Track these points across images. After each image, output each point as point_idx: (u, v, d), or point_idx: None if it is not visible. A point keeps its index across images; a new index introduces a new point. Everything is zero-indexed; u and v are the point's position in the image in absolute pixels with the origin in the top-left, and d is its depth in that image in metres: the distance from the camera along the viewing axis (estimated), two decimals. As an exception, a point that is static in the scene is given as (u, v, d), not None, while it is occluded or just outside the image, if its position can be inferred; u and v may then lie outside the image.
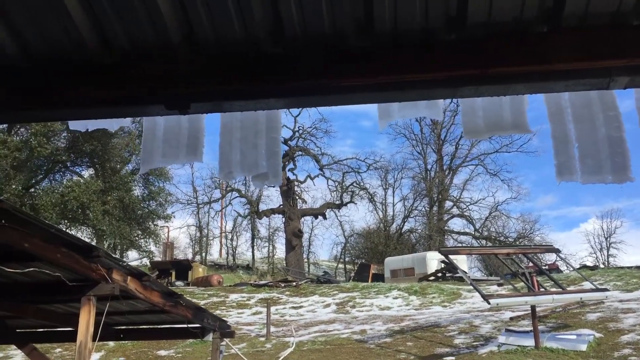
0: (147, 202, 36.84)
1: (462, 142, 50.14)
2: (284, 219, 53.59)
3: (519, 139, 46.51)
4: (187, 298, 10.02)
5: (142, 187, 37.28)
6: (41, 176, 32.98)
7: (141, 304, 9.80)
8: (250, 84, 3.11)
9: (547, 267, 31.45)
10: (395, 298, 25.37)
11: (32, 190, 31.39)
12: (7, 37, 3.13)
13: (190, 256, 54.17)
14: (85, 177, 34.28)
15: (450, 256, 17.37)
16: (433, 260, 33.93)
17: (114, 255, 7.59)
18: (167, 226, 42.98)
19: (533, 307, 13.79)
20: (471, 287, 20.51)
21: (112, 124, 3.53)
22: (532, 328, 14.08)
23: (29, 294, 8.11)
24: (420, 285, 27.89)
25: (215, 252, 64.27)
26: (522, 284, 17.57)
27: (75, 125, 3.55)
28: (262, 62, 3.11)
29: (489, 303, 13.03)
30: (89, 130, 3.59)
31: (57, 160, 32.59)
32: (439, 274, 30.53)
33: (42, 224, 5.86)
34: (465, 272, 21.60)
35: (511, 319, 17.81)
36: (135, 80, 3.19)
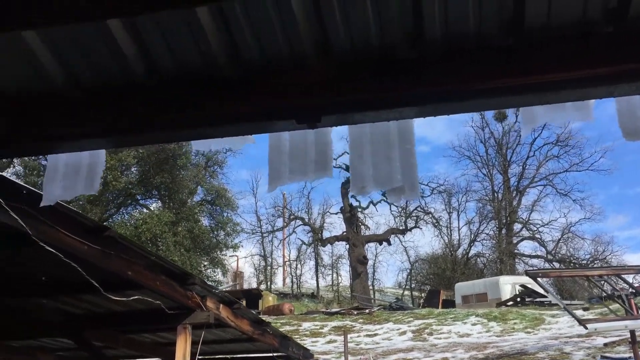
0: (215, 232, 37.35)
1: (529, 162, 48.68)
2: (347, 246, 53.22)
3: (590, 157, 44.74)
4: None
5: (210, 218, 37.87)
6: (114, 209, 34.08)
7: (227, 333, 9.72)
8: (382, 92, 2.93)
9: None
10: (474, 324, 24.48)
11: (106, 223, 32.44)
12: (137, 55, 3.08)
13: (255, 285, 54.44)
14: (153, 209, 35.12)
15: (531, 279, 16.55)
16: (507, 285, 32.74)
17: (207, 283, 7.54)
18: (236, 255, 43.46)
19: (632, 332, 12.89)
20: (555, 312, 19.56)
21: (235, 143, 3.41)
22: (631, 354, 13.17)
23: (122, 322, 8.15)
24: (500, 310, 26.85)
25: (279, 281, 64.37)
26: (616, 306, 16.54)
27: (199, 145, 3.46)
28: (394, 68, 2.93)
29: (586, 328, 12.29)
30: (212, 150, 3.48)
31: (129, 193, 33.59)
32: (518, 299, 29.34)
33: (144, 252, 5.85)
34: (559, 297, 20.56)
35: (605, 345, 16.75)
36: (264, 95, 3.07)
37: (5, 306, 7.19)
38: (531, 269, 31.01)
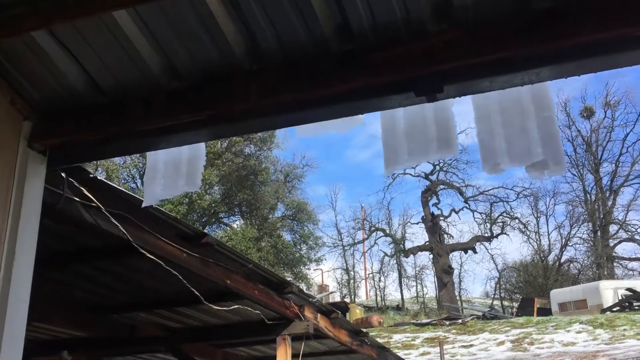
0: (298, 247, 37.45)
1: (622, 159, 45.84)
2: (431, 256, 52.00)
3: (688, 151, 41.51)
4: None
5: (292, 232, 38.02)
6: (200, 228, 34.75)
7: (323, 345, 9.41)
8: (516, 50, 2.52)
9: None
10: (579, 332, 22.97)
11: (193, 242, 33.07)
12: (237, 36, 2.84)
13: (338, 299, 54.15)
14: (236, 226, 35.62)
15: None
16: (608, 290, 30.68)
17: (305, 291, 7.28)
18: (320, 269, 43.45)
19: None
20: (668, 317, 17.97)
21: (342, 125, 3.10)
22: None
23: (220, 336, 8.01)
24: (606, 317, 25.13)
25: (362, 294, 63.81)
26: None
27: (304, 131, 3.17)
28: (532, 19, 2.51)
29: None
30: (317, 136, 3.17)
31: (214, 212, 34.26)
32: (626, 304, 27.39)
33: (242, 259, 5.64)
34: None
35: None
36: (375, 68, 2.74)
37: (106, 321, 7.20)
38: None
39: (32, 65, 3.02)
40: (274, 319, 6.68)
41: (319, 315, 7.48)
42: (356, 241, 57.25)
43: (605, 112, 47.72)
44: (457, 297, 51.54)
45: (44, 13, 2.52)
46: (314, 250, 38.07)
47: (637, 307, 26.02)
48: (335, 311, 7.85)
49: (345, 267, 57.89)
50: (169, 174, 3.28)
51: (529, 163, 2.69)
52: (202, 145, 3.33)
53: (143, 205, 3.33)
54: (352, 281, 59.05)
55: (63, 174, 3.50)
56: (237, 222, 37.02)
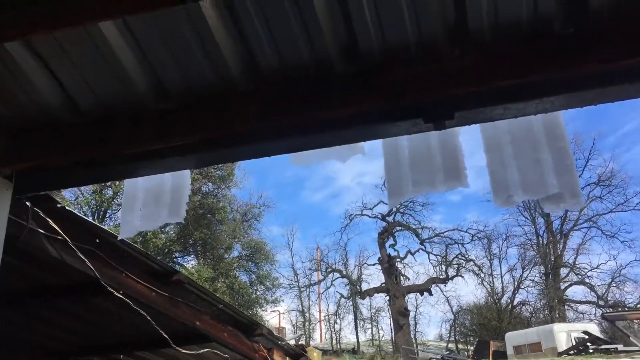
0: (254, 287, 36.63)
1: (572, 203, 47.15)
2: (387, 297, 51.78)
3: (635, 197, 43.04)
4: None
5: (248, 273, 37.23)
6: (153, 268, 33.61)
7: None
8: (533, 76, 2.41)
9: None
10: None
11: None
12: (235, 53, 2.64)
13: (292, 342, 52.99)
14: (191, 267, 34.67)
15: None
16: (561, 333, 30.91)
17: (275, 334, 6.93)
18: (277, 310, 42.57)
19: None
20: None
21: (342, 154, 2.91)
22: None
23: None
24: (563, 360, 25.21)
25: (317, 337, 62.81)
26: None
27: (299, 159, 2.96)
28: (552, 44, 2.41)
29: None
30: (312, 164, 2.97)
31: (169, 251, 33.31)
32: (581, 347, 27.61)
33: (212, 298, 5.30)
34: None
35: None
36: (381, 91, 2.58)
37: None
38: (608, 312, 29.26)
39: (2, 78, 2.74)
40: (242, 363, 6.31)
41: (287, 358, 7.13)
42: (312, 282, 56.58)
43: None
44: (413, 340, 51.26)
45: (27, 20, 2.25)
46: (271, 291, 37.30)
47: (592, 351, 26.31)
48: (304, 354, 7.52)
49: (300, 309, 56.98)
50: (149, 203, 3.01)
51: (543, 195, 2.55)
52: (187, 173, 3.08)
53: (119, 237, 3.03)
54: (307, 323, 58.08)
55: (28, 203, 3.18)
56: (192, 262, 36.06)
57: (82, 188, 28.00)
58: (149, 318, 4.37)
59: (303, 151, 2.84)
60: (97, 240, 3.60)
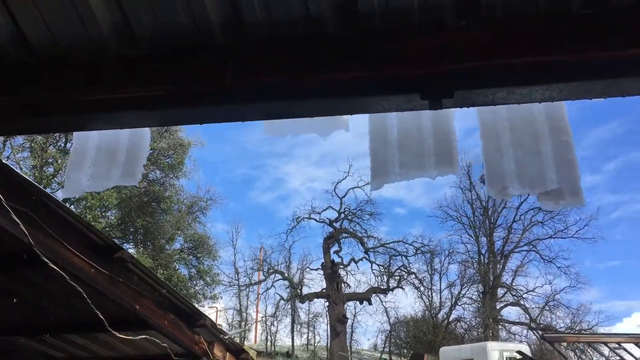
0: (194, 282, 35.82)
1: (514, 226, 48.35)
2: (327, 303, 51.70)
3: (575, 225, 44.45)
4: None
5: (189, 266, 36.41)
6: (90, 252, 32.39)
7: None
8: (544, 57, 2.20)
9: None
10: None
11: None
12: (250, 9, 2.33)
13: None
14: (132, 253, 33.60)
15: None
16: (494, 352, 31.42)
17: (217, 326, 6.57)
18: (215, 307, 41.74)
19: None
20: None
21: (324, 126, 2.64)
22: None
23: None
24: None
25: (251, 337, 62.21)
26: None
27: (273, 128, 2.67)
28: (567, 25, 2.20)
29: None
30: (287, 136, 2.68)
31: (108, 236, 32.19)
32: (513, 367, 28.12)
33: (156, 282, 4.92)
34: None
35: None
36: (377, 59, 2.32)
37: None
38: (549, 333, 29.79)
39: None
40: (181, 354, 5.92)
41: (228, 354, 6.78)
42: (253, 282, 55.96)
43: (503, 180, 50.27)
44: (348, 348, 51.35)
45: None
46: (210, 287, 36.53)
47: (524, 371, 26.81)
48: (245, 351, 7.18)
49: (238, 308, 56.27)
50: (101, 161, 2.66)
51: (542, 190, 2.35)
52: (147, 131, 2.75)
53: (62, 196, 2.71)
54: (244, 323, 57.42)
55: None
56: (131, 250, 34.97)
57: (20, 162, 26.74)
58: (85, 296, 3.96)
59: (281, 119, 2.56)
60: (34, 198, 3.20)
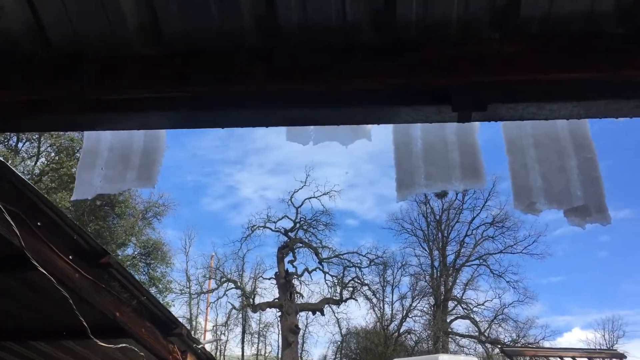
0: (147, 288, 35.05)
1: (466, 240, 49.26)
2: (279, 313, 51.31)
3: (524, 240, 45.66)
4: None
5: (142, 273, 35.57)
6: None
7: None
8: (577, 73, 2.24)
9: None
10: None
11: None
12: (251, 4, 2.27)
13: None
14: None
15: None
16: (445, 364, 31.91)
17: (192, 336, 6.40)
18: (167, 315, 40.93)
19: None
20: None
21: (346, 135, 2.61)
22: None
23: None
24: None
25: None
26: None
27: (295, 135, 2.62)
28: (601, 43, 2.24)
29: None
30: (310, 143, 2.63)
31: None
32: (467, 378, 28.56)
33: (137, 289, 4.77)
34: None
35: None
36: (407, 68, 2.32)
37: None
38: (508, 346, 30.32)
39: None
40: (155, 364, 5.74)
41: (199, 364, 6.63)
42: (204, 290, 55.10)
43: (457, 194, 51.31)
44: (299, 359, 51.09)
45: None
46: (163, 294, 35.72)
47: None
48: (217, 361, 7.01)
49: (189, 316, 55.28)
50: (114, 163, 2.55)
51: (569, 207, 2.38)
52: (164, 133, 2.65)
53: (73, 198, 2.54)
54: (193, 332, 56.36)
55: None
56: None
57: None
58: (72, 302, 3.79)
59: (306, 126, 2.51)
60: (25, 198, 3.04)
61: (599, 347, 30.53)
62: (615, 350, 20.27)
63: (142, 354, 5.19)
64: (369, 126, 2.61)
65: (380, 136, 2.72)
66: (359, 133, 2.60)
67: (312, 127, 2.56)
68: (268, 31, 2.33)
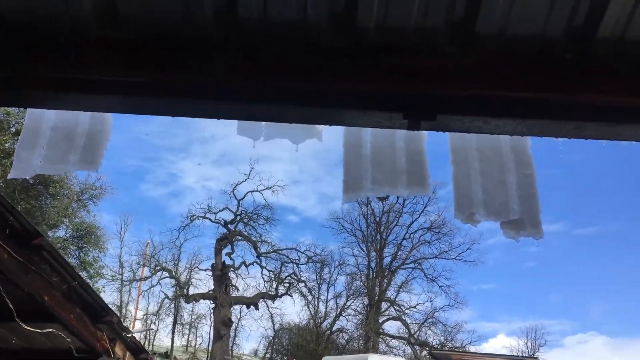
0: (78, 272, 33.95)
1: (404, 243, 50.24)
2: (213, 305, 50.85)
3: (459, 247, 46.91)
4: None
5: (73, 256, 34.44)
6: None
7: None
8: (525, 93, 2.33)
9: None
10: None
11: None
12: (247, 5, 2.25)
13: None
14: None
15: None
16: (375, 363, 32.40)
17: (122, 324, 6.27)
18: (97, 301, 39.79)
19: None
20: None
21: (298, 133, 2.62)
22: None
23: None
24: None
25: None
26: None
27: (245, 129, 2.61)
28: (550, 65, 2.34)
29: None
30: (259, 139, 2.62)
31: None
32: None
33: (68, 273, 4.63)
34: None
35: None
36: (363, 73, 2.35)
37: None
38: (436, 349, 31.01)
39: None
40: (83, 351, 5.59)
41: (128, 353, 6.50)
42: (137, 278, 53.91)
43: (397, 198, 52.19)
44: (230, 352, 50.79)
45: None
46: (93, 279, 34.73)
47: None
48: (146, 351, 6.91)
49: (119, 304, 53.97)
50: (56, 143, 2.47)
51: (506, 219, 2.47)
52: (110, 117, 2.59)
53: (10, 176, 2.45)
54: (123, 320, 55.07)
55: None
56: (9, 234, 32.56)
57: None
58: (-2, 283, 3.65)
59: (259, 121, 2.51)
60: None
61: (520, 354, 31.76)
62: (536, 358, 21.17)
63: (69, 340, 5.05)
64: (321, 126, 2.62)
65: (331, 136, 2.75)
66: (311, 132, 2.61)
67: (264, 122, 2.56)
68: (227, 23, 2.31)
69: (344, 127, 2.63)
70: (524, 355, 34.65)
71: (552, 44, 2.32)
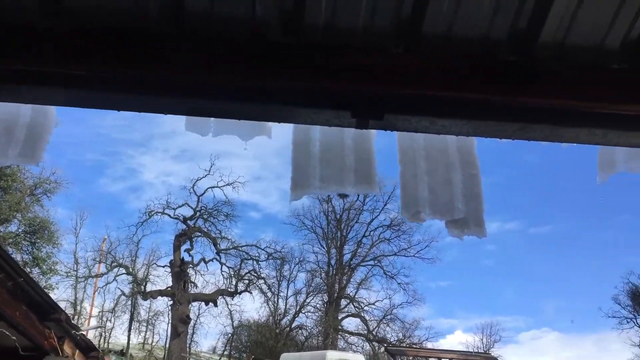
0: (28, 269, 33.04)
1: (364, 240, 50.61)
2: (171, 302, 50.19)
3: (417, 244, 47.50)
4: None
5: (24, 252, 33.54)
6: None
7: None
8: (469, 94, 2.37)
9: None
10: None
11: None
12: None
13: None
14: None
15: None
16: (333, 360, 32.55)
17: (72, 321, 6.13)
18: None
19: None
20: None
21: (246, 130, 2.60)
22: None
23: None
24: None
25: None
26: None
27: (194, 125, 2.58)
28: (503, 72, 2.38)
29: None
30: (208, 135, 2.60)
31: None
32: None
33: (14, 270, 4.50)
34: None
35: None
36: (311, 71, 2.35)
37: None
38: (392, 345, 31.27)
39: None
40: (29, 349, 5.44)
41: (77, 351, 6.36)
42: (93, 274, 52.78)
43: (358, 196, 52.51)
44: (188, 349, 50.28)
45: None
46: (46, 276, 33.88)
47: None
48: (97, 349, 6.78)
49: (73, 301, 52.76)
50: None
51: (450, 218, 2.51)
52: (52, 110, 2.52)
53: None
54: (77, 317, 53.91)
55: None
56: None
57: None
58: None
59: (205, 117, 2.49)
60: None
61: (476, 350, 32.42)
62: (490, 354, 21.65)
63: (14, 338, 4.91)
64: (271, 123, 2.61)
65: (283, 133, 2.74)
66: (259, 129, 2.60)
67: (212, 118, 2.53)
68: (174, 17, 2.28)
69: (293, 125, 2.63)
70: (479, 351, 35.45)
71: (497, 46, 2.37)
